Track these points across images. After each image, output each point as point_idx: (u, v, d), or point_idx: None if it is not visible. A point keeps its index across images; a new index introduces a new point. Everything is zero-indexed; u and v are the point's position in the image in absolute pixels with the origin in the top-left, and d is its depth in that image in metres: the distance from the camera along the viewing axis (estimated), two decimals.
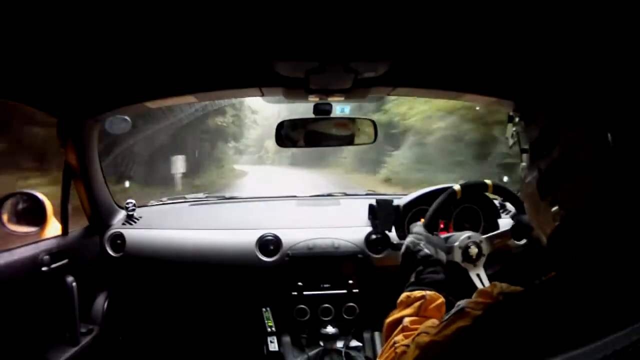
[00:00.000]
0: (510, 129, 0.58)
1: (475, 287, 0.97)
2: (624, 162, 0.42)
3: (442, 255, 0.89)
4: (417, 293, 0.75)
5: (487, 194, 1.27)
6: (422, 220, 1.27)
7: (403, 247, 0.92)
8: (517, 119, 0.56)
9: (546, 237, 0.49)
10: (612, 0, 0.55)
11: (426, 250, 0.86)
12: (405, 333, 0.67)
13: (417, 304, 0.73)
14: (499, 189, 1.04)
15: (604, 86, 0.45)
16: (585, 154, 0.44)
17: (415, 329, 0.65)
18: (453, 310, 0.52)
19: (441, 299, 0.74)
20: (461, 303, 0.51)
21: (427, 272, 0.83)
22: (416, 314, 0.72)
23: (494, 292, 0.48)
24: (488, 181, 1.01)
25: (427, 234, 0.92)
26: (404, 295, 0.77)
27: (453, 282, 0.86)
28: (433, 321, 0.65)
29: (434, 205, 1.00)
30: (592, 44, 0.62)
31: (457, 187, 0.99)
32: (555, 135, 0.47)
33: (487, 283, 0.99)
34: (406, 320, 0.70)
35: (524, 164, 0.54)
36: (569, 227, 0.45)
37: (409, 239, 0.91)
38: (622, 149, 0.42)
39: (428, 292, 0.74)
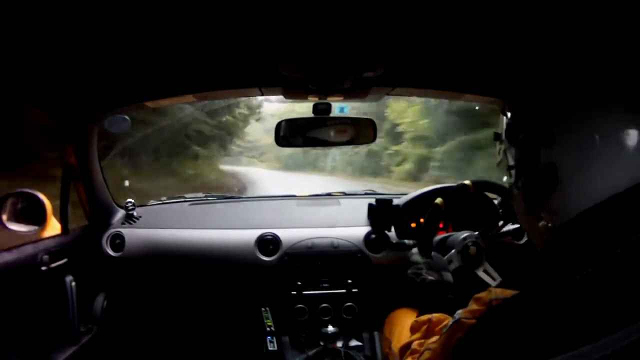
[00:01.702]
0: (498, 146, 0.59)
1: (487, 285, 0.98)
2: (602, 176, 0.42)
3: (447, 275, 0.89)
4: (424, 317, 0.76)
5: (486, 193, 1.27)
6: (422, 220, 1.28)
7: (408, 276, 0.92)
8: (503, 137, 0.57)
9: (539, 248, 0.50)
10: (606, 9, 0.55)
11: (430, 278, 0.87)
12: (413, 355, 0.68)
13: (423, 327, 0.74)
14: (479, 185, 1.04)
15: (584, 102, 0.45)
16: (564, 168, 0.45)
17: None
18: (450, 322, 0.52)
19: (448, 319, 0.74)
20: (457, 314, 0.51)
21: (434, 297, 0.84)
22: (424, 337, 0.73)
23: (489, 298, 0.48)
24: (467, 182, 1.01)
25: (426, 260, 0.92)
26: (412, 321, 0.79)
27: (465, 288, 0.86)
28: (437, 337, 0.66)
29: (423, 226, 1.00)
30: (594, 47, 0.62)
31: (439, 200, 0.99)
32: (537, 152, 0.48)
33: (496, 276, 1.00)
34: (415, 343, 0.71)
35: (511, 180, 0.54)
36: (558, 239, 0.46)
37: (410, 271, 0.92)
38: (601, 162, 0.43)
39: (434, 315, 0.75)
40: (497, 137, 0.60)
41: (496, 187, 1.07)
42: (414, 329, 0.77)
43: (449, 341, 0.50)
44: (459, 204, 1.26)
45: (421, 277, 0.88)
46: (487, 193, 1.28)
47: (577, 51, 0.64)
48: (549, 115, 0.47)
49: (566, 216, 0.45)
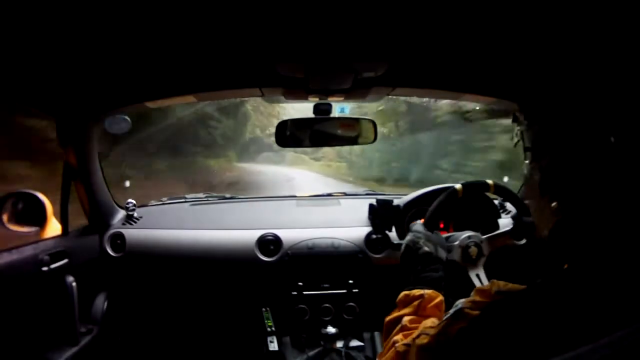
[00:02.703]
0: (515, 128, 0.59)
1: (474, 287, 0.97)
2: (622, 159, 0.42)
3: (442, 253, 0.88)
4: (416, 292, 0.74)
5: (487, 194, 1.27)
6: (423, 220, 1.27)
7: (403, 246, 0.91)
8: (521, 119, 0.57)
9: (547, 233, 0.50)
10: (610, 4, 0.55)
11: (426, 248, 0.86)
12: (404, 332, 0.67)
13: (415, 302, 0.73)
14: (500, 189, 1.04)
15: (603, 86, 0.45)
16: (584, 152, 0.45)
17: (415, 328, 0.65)
18: (451, 311, 0.52)
19: (440, 298, 0.74)
20: (459, 303, 0.51)
21: (426, 270, 0.82)
22: (415, 313, 0.71)
23: (492, 291, 0.48)
24: (489, 181, 1.01)
25: (427, 232, 0.91)
26: (402, 294, 0.77)
27: (452, 280, 0.86)
28: (433, 320, 0.66)
29: (435, 203, 0.99)
30: (593, 44, 0.62)
31: (458, 186, 0.99)
32: (557, 134, 0.48)
33: (486, 283, 0.99)
34: (405, 319, 0.70)
35: (527, 161, 0.54)
36: (569, 223, 0.46)
37: (408, 237, 0.91)
38: (621, 146, 0.42)
39: (427, 291, 0.74)
40: (515, 119, 0.60)
41: (514, 198, 1.06)
42: (403, 302, 0.75)
43: (449, 329, 0.50)
44: (474, 199, 1.25)
45: (417, 246, 0.87)
46: (490, 197, 1.28)
47: (580, 50, 0.64)
48: (566, 111, 0.48)
49: (580, 201, 0.45)
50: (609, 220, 0.42)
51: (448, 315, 0.52)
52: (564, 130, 0.47)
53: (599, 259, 0.41)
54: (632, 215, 0.41)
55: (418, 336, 0.57)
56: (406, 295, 0.76)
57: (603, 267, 0.40)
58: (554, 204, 0.48)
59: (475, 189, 1.01)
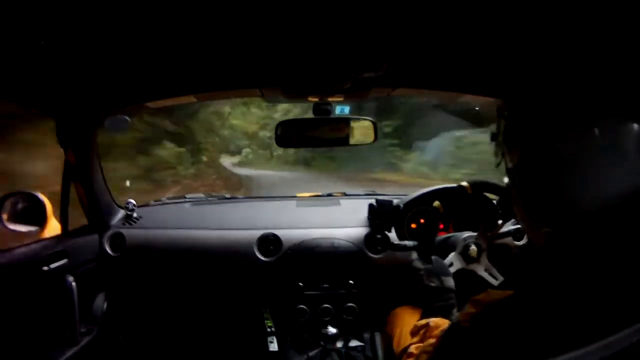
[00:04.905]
0: (495, 147, 0.54)
1: (489, 285, 0.99)
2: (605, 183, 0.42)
3: (448, 281, 0.90)
4: (423, 321, 0.76)
5: (486, 194, 1.27)
6: (422, 220, 1.28)
7: (411, 280, 0.93)
8: (500, 139, 0.53)
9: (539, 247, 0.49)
10: (605, 7, 0.55)
11: (431, 284, 0.88)
12: (409, 359, 0.68)
13: (421, 331, 0.74)
14: (477, 186, 1.05)
15: (586, 107, 0.44)
16: (566, 174, 0.44)
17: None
18: (446, 326, 0.52)
19: (447, 324, 0.74)
20: (454, 317, 0.51)
21: (436, 302, 0.85)
22: (421, 341, 0.73)
23: (487, 301, 0.48)
24: (464, 183, 1.03)
25: (427, 266, 0.93)
26: (412, 326, 0.79)
27: (467, 289, 0.86)
28: (431, 342, 0.66)
29: (423, 232, 1.01)
30: (596, 46, 0.62)
31: (436, 203, 1.00)
32: (537, 157, 0.46)
33: (498, 275, 1.00)
34: (412, 347, 0.71)
35: (510, 183, 0.52)
36: (557, 244, 0.45)
37: (411, 277, 0.93)
38: (602, 169, 0.42)
39: (432, 319, 0.75)
40: (493, 137, 0.55)
41: (494, 187, 1.08)
42: (413, 333, 0.77)
43: (445, 344, 0.50)
44: (458, 205, 1.26)
45: (422, 284, 0.89)
46: (488, 197, 1.28)
47: (577, 54, 0.64)
48: (551, 120, 0.46)
49: (568, 220, 0.44)
50: (597, 238, 0.42)
51: (444, 330, 0.52)
52: (545, 152, 0.45)
53: (588, 267, 0.41)
54: (621, 230, 0.40)
55: (418, 356, 0.57)
56: (415, 326, 0.77)
57: (593, 275, 0.40)
58: (544, 229, 0.46)
59: (453, 197, 1.02)
